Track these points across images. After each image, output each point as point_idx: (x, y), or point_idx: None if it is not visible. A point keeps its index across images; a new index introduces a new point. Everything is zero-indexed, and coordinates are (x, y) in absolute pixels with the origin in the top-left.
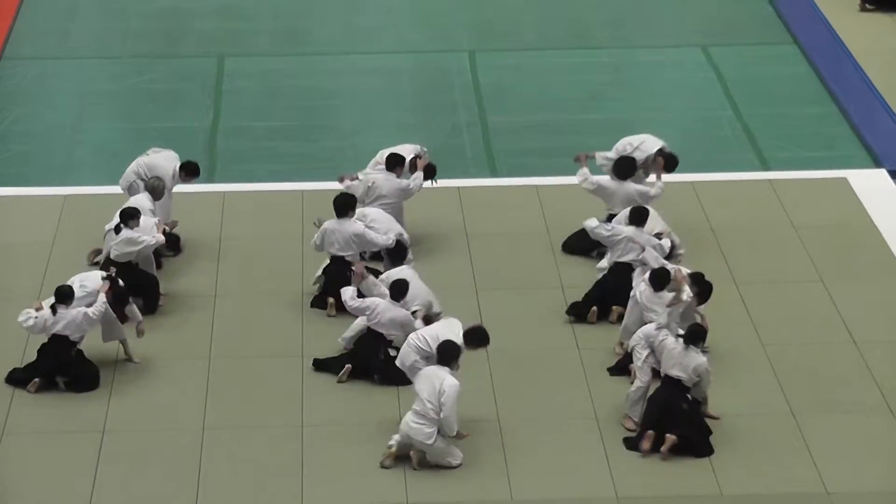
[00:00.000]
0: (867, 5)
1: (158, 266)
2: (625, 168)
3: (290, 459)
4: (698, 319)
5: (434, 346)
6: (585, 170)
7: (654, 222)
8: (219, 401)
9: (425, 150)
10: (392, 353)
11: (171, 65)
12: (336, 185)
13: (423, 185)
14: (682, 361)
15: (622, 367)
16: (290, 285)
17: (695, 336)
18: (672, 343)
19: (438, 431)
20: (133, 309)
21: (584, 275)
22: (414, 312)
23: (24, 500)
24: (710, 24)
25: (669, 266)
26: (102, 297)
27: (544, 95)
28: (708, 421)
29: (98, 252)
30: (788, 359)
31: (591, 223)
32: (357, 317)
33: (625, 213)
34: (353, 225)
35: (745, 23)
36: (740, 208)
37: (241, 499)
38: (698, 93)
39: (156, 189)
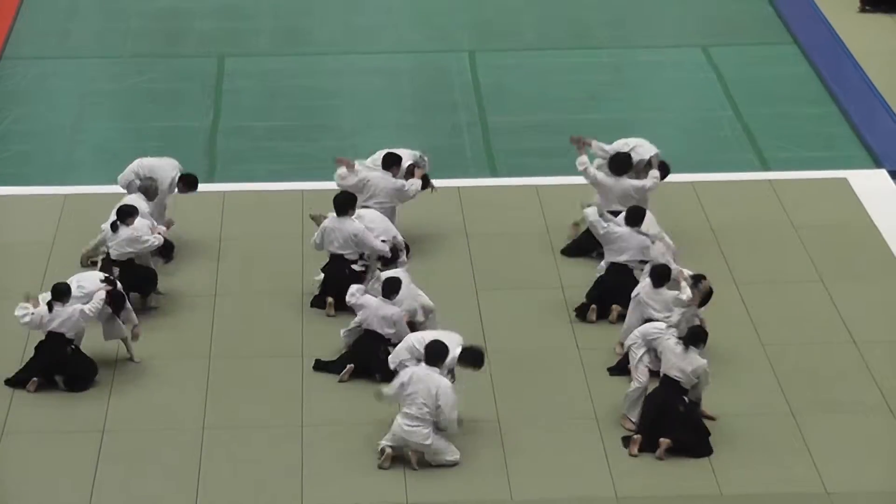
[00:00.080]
0: (866, 6)
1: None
2: (621, 164)
3: (290, 459)
4: (697, 322)
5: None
6: (585, 158)
7: (648, 225)
8: (219, 400)
9: (425, 157)
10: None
11: (171, 65)
12: (334, 185)
13: (419, 192)
14: (681, 363)
15: (622, 367)
16: (290, 285)
17: (696, 338)
18: (673, 344)
19: (435, 430)
20: (129, 313)
21: (584, 275)
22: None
23: (24, 499)
24: (711, 24)
25: (673, 266)
26: (100, 295)
27: (544, 95)
28: (705, 421)
29: (91, 255)
30: (788, 359)
31: (592, 214)
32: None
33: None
34: (353, 224)
35: (746, 23)
36: (740, 208)
37: (241, 499)
38: (698, 93)
39: (149, 190)
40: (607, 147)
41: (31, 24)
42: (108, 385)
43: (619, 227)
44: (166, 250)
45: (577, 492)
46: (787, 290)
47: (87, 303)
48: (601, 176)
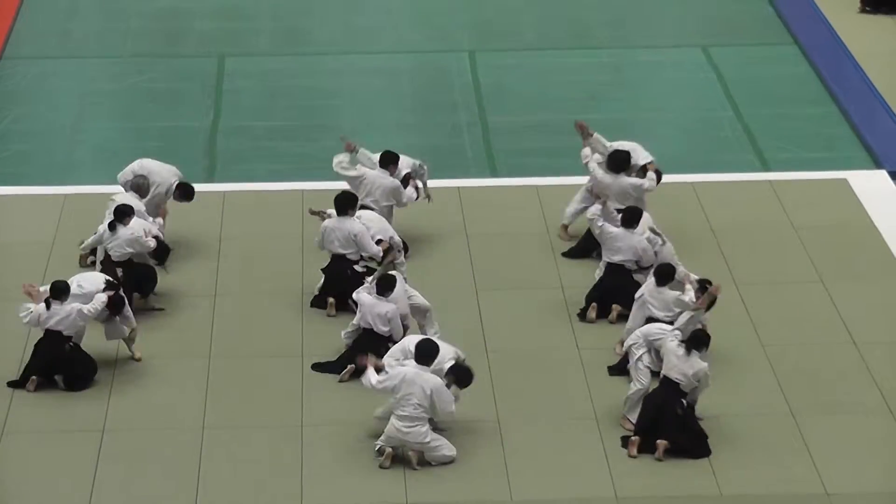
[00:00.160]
0: (867, 7)
1: None
2: (619, 161)
3: (290, 459)
4: (700, 326)
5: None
6: (588, 150)
7: (645, 225)
8: (219, 400)
9: (424, 167)
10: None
11: (171, 64)
12: (337, 185)
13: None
14: (683, 365)
15: (622, 368)
16: (290, 285)
17: (698, 341)
18: (675, 346)
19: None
20: (128, 317)
21: (584, 275)
22: (379, 242)
23: (24, 499)
24: (711, 24)
25: (681, 269)
26: (101, 298)
27: (544, 95)
28: (702, 423)
29: (88, 255)
30: (788, 359)
31: (593, 212)
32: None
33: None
34: (354, 223)
35: (746, 23)
36: (740, 209)
37: (241, 498)
38: (698, 93)
39: (140, 187)
40: (606, 143)
41: (31, 24)
42: (108, 385)
43: (614, 227)
44: (161, 253)
45: (577, 492)
46: (787, 290)
47: (87, 303)
48: (600, 173)
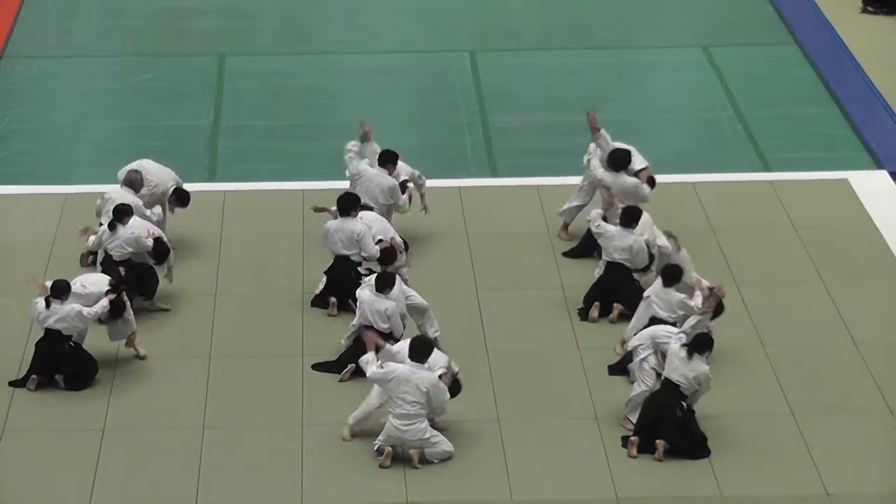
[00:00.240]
0: (869, 7)
1: None
2: (619, 160)
3: (290, 459)
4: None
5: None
6: (594, 146)
7: (644, 226)
8: (219, 400)
9: (422, 179)
10: None
11: (172, 64)
12: (337, 185)
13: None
14: (684, 368)
15: (622, 367)
16: (291, 284)
17: (701, 345)
18: (678, 348)
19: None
20: (129, 321)
21: (585, 275)
22: (380, 242)
23: (24, 498)
24: (712, 24)
25: (694, 275)
26: (104, 303)
27: (545, 96)
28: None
29: (89, 254)
30: (789, 360)
31: (593, 215)
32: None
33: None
34: (356, 224)
35: (747, 24)
36: (741, 209)
37: (241, 498)
38: (699, 93)
39: (134, 182)
40: (610, 142)
41: (32, 23)
42: (108, 384)
43: (611, 226)
44: (160, 254)
45: (577, 492)
46: (787, 290)
47: (89, 303)
48: (601, 172)
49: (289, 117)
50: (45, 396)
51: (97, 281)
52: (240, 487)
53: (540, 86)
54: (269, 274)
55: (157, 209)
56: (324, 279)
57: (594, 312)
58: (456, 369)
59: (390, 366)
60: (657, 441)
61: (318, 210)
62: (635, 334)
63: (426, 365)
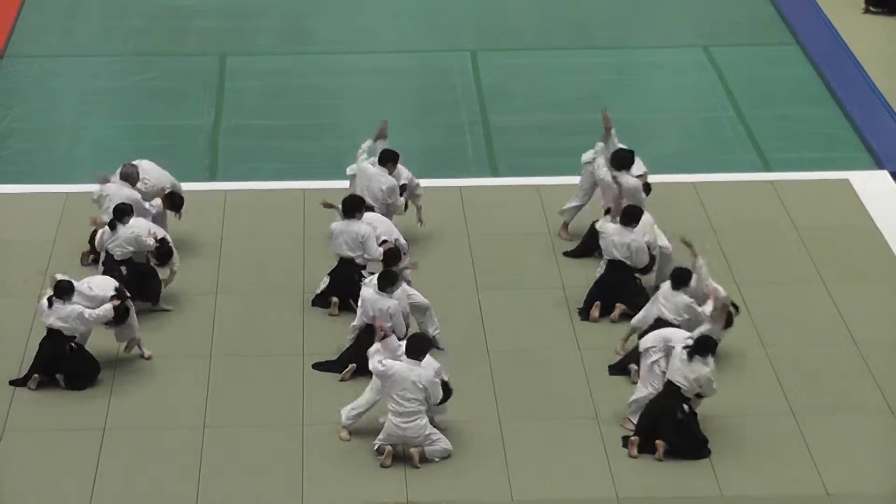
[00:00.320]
0: (871, 8)
1: None
2: (622, 159)
3: (290, 459)
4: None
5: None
6: (602, 145)
7: (645, 227)
8: (219, 399)
9: (420, 190)
10: None
11: (172, 63)
12: (337, 184)
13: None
14: (685, 370)
15: (623, 367)
16: (292, 284)
17: (702, 347)
18: (680, 350)
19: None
20: (132, 327)
21: (586, 275)
22: (384, 243)
23: (25, 497)
24: (713, 24)
25: (711, 283)
26: (108, 308)
27: (546, 95)
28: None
29: (90, 252)
30: (789, 360)
31: (600, 224)
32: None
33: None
34: (361, 226)
35: (748, 24)
36: (742, 209)
37: (241, 498)
38: (700, 93)
39: (130, 176)
40: (616, 142)
41: (32, 22)
42: (109, 383)
43: (611, 225)
44: (163, 255)
45: (578, 492)
46: (788, 290)
47: (92, 306)
48: (603, 171)
49: (289, 117)
50: (45, 395)
51: (104, 284)
52: (240, 487)
53: (540, 85)
54: (270, 273)
55: (157, 201)
56: (326, 279)
57: (595, 312)
58: (445, 377)
59: (388, 362)
60: (657, 441)
61: (326, 206)
62: (640, 331)
63: (423, 363)
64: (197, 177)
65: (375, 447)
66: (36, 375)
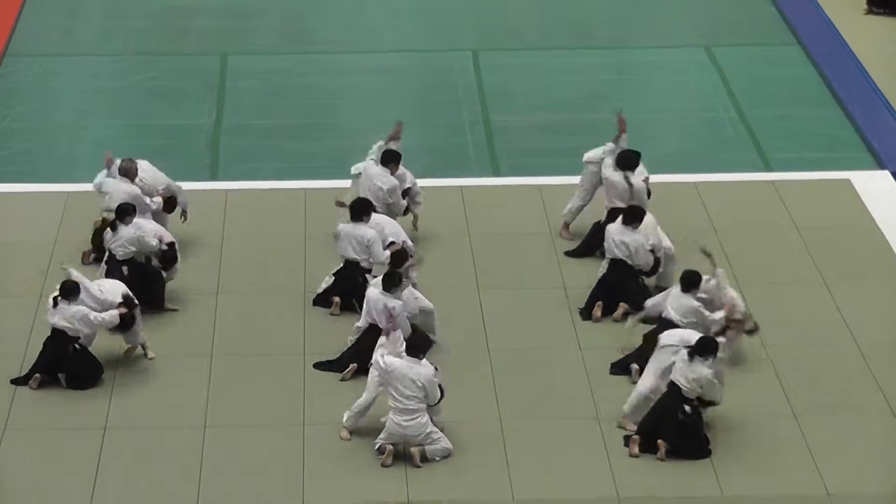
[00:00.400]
0: (873, 9)
1: None
2: (628, 160)
3: (291, 458)
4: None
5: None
6: (612, 145)
7: (647, 227)
8: (220, 399)
9: (420, 198)
10: None
11: (173, 62)
12: (337, 184)
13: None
14: (686, 370)
15: (624, 366)
16: (293, 283)
17: (702, 348)
18: (682, 351)
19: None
20: (136, 333)
21: (587, 274)
22: (391, 244)
23: (26, 496)
24: (714, 24)
25: (730, 294)
26: (114, 313)
27: (547, 95)
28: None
29: (91, 252)
30: (790, 360)
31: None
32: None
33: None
34: (368, 230)
35: (749, 24)
36: (743, 209)
37: (242, 497)
38: (701, 93)
39: (129, 171)
40: (624, 145)
41: (34, 22)
42: (110, 382)
43: (613, 224)
44: (168, 260)
45: (579, 492)
46: (788, 290)
47: (99, 309)
48: (609, 170)
49: (290, 116)
50: (47, 395)
51: (113, 290)
52: (241, 486)
53: (541, 85)
54: (271, 273)
55: (158, 199)
56: (329, 279)
57: (597, 311)
58: (437, 380)
59: (389, 359)
60: (659, 441)
61: (339, 205)
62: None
63: (422, 361)
64: (198, 176)
65: (376, 447)
66: (37, 375)
